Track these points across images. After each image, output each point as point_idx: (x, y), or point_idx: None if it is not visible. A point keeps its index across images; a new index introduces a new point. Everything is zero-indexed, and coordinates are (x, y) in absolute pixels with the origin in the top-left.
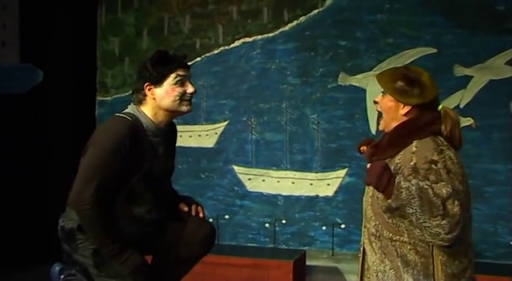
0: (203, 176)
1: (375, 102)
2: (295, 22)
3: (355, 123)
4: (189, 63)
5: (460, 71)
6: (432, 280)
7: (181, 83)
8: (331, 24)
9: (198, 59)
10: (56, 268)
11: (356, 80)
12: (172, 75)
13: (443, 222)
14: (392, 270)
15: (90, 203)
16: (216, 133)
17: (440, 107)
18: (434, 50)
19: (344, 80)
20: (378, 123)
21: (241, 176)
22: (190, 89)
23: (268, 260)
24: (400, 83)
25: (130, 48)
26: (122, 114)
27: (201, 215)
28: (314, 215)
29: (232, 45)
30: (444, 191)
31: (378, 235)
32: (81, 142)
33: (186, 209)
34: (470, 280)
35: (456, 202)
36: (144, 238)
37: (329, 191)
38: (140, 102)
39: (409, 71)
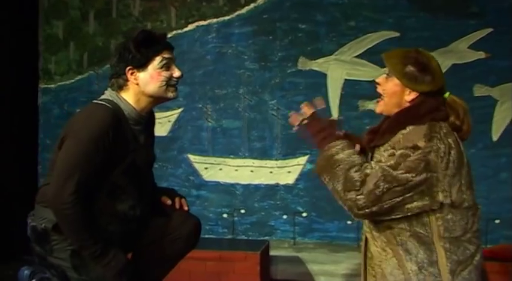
0: (156, 166)
1: (377, 83)
2: (252, 5)
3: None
4: None
5: None
6: (437, 267)
7: (167, 66)
8: (290, 7)
9: None
10: (25, 271)
11: (316, 65)
12: (158, 58)
13: (358, 197)
14: (394, 258)
15: (71, 202)
16: (169, 121)
17: (447, 94)
18: (397, 34)
19: (304, 64)
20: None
21: (197, 165)
22: (176, 72)
23: (234, 252)
24: (411, 68)
25: (75, 33)
26: (100, 101)
27: (185, 208)
28: (274, 204)
29: (185, 29)
30: (373, 171)
31: (378, 222)
32: (23, 131)
33: (169, 202)
34: (478, 267)
35: (381, 185)
36: (126, 236)
37: (290, 179)
38: (121, 87)
39: (420, 55)
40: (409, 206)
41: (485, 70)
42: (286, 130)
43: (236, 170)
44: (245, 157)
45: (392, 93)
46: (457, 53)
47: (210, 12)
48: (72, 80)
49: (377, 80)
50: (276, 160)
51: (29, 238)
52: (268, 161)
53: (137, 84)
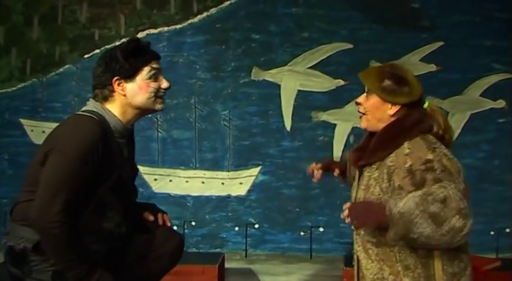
0: None
1: (358, 104)
2: (205, 14)
3: (269, 119)
4: (86, 56)
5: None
6: None
7: (155, 77)
8: (244, 16)
9: (97, 51)
10: None
11: (270, 75)
12: (146, 69)
13: (454, 223)
14: (391, 275)
15: (59, 221)
16: None
17: (426, 104)
18: (351, 46)
19: (257, 75)
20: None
21: (146, 177)
22: (164, 83)
23: (191, 265)
24: (388, 82)
25: (18, 38)
26: (85, 113)
27: (168, 224)
28: (226, 215)
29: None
30: (440, 192)
31: (374, 241)
32: None
33: (151, 218)
34: (470, 278)
35: (457, 197)
36: (110, 254)
37: (242, 191)
38: (106, 99)
39: (395, 69)
40: None
41: (437, 83)
42: (238, 141)
43: (187, 181)
44: (196, 168)
45: (375, 109)
46: (409, 66)
47: (161, 21)
48: (14, 88)
49: (358, 101)
50: (228, 171)
51: (5, 259)
52: (219, 173)
53: (124, 95)
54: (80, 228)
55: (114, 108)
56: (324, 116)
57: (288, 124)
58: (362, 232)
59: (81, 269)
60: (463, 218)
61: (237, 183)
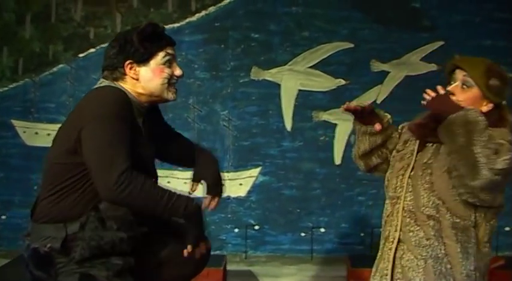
0: None
1: (451, 93)
2: (203, 12)
3: (269, 119)
4: (80, 55)
5: (376, 66)
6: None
7: (169, 63)
8: (243, 15)
9: (92, 50)
10: None
11: (270, 75)
12: (161, 54)
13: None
14: (448, 256)
15: (128, 184)
16: None
17: (503, 103)
18: (351, 45)
19: (257, 74)
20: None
21: None
22: (178, 71)
23: None
24: (495, 82)
25: (9, 37)
26: (103, 85)
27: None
28: (225, 217)
29: None
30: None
31: (437, 216)
32: None
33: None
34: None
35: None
36: (137, 246)
37: (241, 192)
38: (116, 80)
39: (500, 68)
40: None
41: (437, 82)
42: (238, 141)
43: (185, 183)
44: None
45: (471, 103)
46: (410, 65)
47: (158, 19)
48: (6, 88)
49: (451, 90)
50: (227, 172)
51: (28, 262)
52: None
53: (137, 79)
54: (101, 214)
55: (133, 91)
56: (325, 116)
57: (288, 124)
58: (422, 208)
59: (182, 200)
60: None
61: (237, 184)
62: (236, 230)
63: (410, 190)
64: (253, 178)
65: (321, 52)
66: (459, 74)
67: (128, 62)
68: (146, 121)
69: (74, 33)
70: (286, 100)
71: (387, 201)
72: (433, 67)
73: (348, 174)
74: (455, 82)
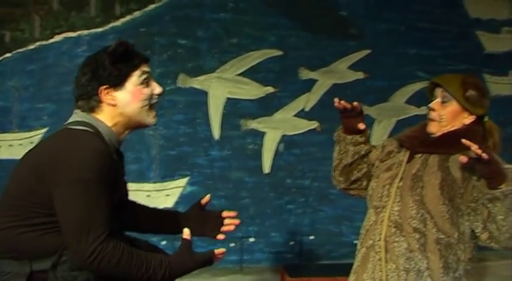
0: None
1: (431, 109)
2: (128, 17)
3: (197, 128)
4: None
5: (305, 74)
6: None
7: (147, 82)
8: (169, 21)
9: (8, 55)
10: None
11: (197, 82)
12: (137, 73)
13: None
14: (429, 270)
15: (107, 252)
16: (31, 142)
17: (486, 119)
18: (280, 52)
19: (184, 82)
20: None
21: None
22: (157, 89)
23: None
24: (472, 92)
25: None
26: (79, 127)
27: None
28: None
29: (51, 40)
30: None
31: (423, 230)
32: None
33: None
34: None
35: None
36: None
37: (169, 203)
38: (92, 110)
39: (477, 80)
40: None
41: (364, 90)
42: (165, 151)
43: (148, 195)
44: None
45: (452, 117)
46: (337, 73)
47: (80, 23)
48: None
49: (432, 106)
50: (154, 182)
51: None
52: (145, 184)
53: (114, 105)
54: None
55: (104, 120)
56: (253, 124)
57: (216, 133)
58: (410, 220)
59: (162, 267)
60: None
61: (164, 195)
62: (164, 242)
63: (398, 200)
64: (181, 189)
65: (249, 59)
66: (438, 91)
67: (102, 87)
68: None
69: None
70: (214, 108)
71: (370, 210)
72: (360, 75)
73: (277, 182)
74: (435, 99)
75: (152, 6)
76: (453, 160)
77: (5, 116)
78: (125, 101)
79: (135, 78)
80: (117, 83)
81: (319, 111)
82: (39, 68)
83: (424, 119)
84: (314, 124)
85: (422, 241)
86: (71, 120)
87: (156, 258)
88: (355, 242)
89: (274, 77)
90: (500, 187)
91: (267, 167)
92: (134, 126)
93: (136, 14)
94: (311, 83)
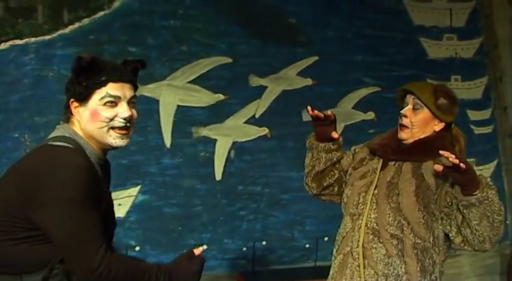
0: None
1: (403, 116)
2: (77, 24)
3: (148, 136)
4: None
5: (255, 81)
6: None
7: (111, 103)
8: (119, 28)
9: None
10: None
11: (148, 90)
12: (99, 93)
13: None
14: (407, 274)
15: (110, 263)
16: None
17: (453, 125)
18: (230, 60)
19: None
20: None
21: None
22: (123, 113)
23: None
24: (443, 101)
25: None
26: (60, 143)
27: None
28: None
29: None
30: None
31: (401, 236)
32: None
33: None
34: None
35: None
36: None
37: (120, 212)
38: (67, 121)
39: (447, 89)
40: None
41: (313, 96)
42: (116, 160)
43: (119, 204)
44: None
45: (423, 124)
46: (286, 80)
47: (28, 30)
48: None
49: (404, 113)
50: None
51: None
52: None
53: (79, 120)
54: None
55: (83, 135)
56: (205, 132)
57: (167, 141)
58: (387, 226)
59: (162, 272)
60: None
61: (116, 205)
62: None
63: (374, 207)
64: (133, 197)
65: (199, 67)
66: (409, 98)
67: (71, 100)
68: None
69: None
70: (165, 116)
71: (346, 217)
72: (308, 81)
73: (229, 189)
74: (406, 106)
75: (101, 14)
76: (426, 166)
77: None
78: (85, 119)
79: (96, 97)
80: (81, 98)
81: (269, 117)
82: None
83: (370, 123)
84: (264, 130)
85: (400, 246)
86: (52, 134)
87: (154, 265)
88: (307, 246)
89: (225, 84)
90: (475, 194)
91: (218, 174)
92: (101, 146)
93: (85, 21)
94: (261, 89)
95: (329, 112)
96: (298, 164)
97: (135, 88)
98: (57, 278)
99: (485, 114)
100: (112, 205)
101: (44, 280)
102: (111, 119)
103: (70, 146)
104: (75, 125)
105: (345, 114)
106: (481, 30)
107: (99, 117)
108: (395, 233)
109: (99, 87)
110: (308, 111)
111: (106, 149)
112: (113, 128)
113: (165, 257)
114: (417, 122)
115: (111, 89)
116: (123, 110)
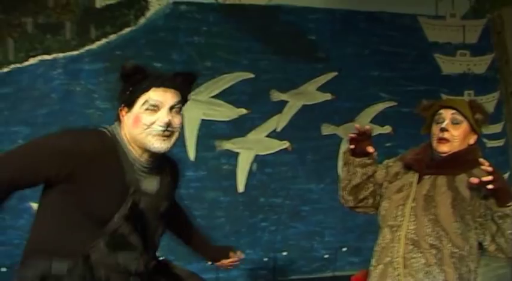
0: None
1: (444, 130)
2: (104, 40)
3: (172, 150)
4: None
5: (276, 96)
6: None
7: (153, 109)
8: (145, 44)
9: None
10: None
11: None
12: (142, 99)
13: None
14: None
15: None
16: None
17: None
18: (252, 75)
19: None
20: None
21: None
22: (162, 119)
23: None
24: (479, 115)
25: None
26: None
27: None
28: None
29: (26, 63)
30: None
31: (439, 246)
32: None
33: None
34: None
35: None
36: None
37: None
38: (119, 124)
39: (481, 105)
40: None
41: (332, 110)
42: None
43: None
44: None
45: (463, 137)
46: (306, 95)
47: (56, 46)
48: None
49: (445, 127)
50: None
51: None
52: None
53: (126, 126)
54: (93, 262)
55: (126, 138)
56: (228, 145)
57: (191, 154)
58: (427, 237)
59: None
60: None
61: None
62: None
63: (413, 219)
64: None
65: (222, 82)
66: (447, 113)
67: (120, 107)
68: (157, 174)
69: None
70: (189, 130)
71: (385, 229)
72: (327, 96)
73: (251, 201)
74: (444, 120)
75: (127, 30)
76: (460, 179)
77: None
78: (129, 124)
79: (139, 103)
80: (127, 104)
81: (290, 131)
82: (13, 91)
83: (387, 137)
84: (285, 144)
85: (439, 255)
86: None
87: None
88: (326, 256)
89: (247, 99)
90: (509, 205)
91: (241, 187)
92: (146, 150)
93: (112, 37)
94: (282, 104)
95: (367, 127)
96: (318, 176)
97: (183, 96)
98: (81, 271)
99: (497, 128)
100: (156, 210)
101: (69, 271)
102: (150, 125)
103: (106, 131)
104: (123, 129)
105: None
106: (493, 47)
107: (139, 123)
108: (434, 243)
109: (142, 93)
110: (356, 130)
111: (151, 153)
112: (151, 134)
113: (189, 267)
114: (458, 136)
115: (153, 95)
116: (162, 116)
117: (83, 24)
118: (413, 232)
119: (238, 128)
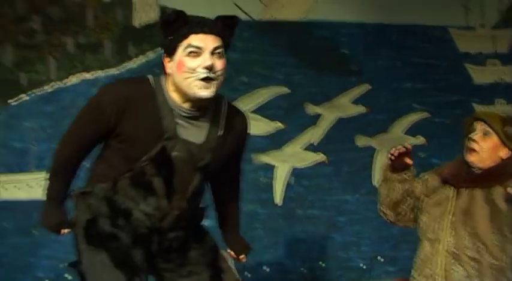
0: (36, 232)
1: (473, 140)
2: (142, 58)
3: None
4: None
5: (311, 109)
6: None
7: (195, 54)
8: None
9: (24, 96)
10: None
11: None
12: (183, 44)
13: None
14: None
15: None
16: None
17: None
18: (287, 90)
19: None
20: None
21: None
22: (205, 62)
23: None
24: (509, 129)
25: None
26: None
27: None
28: None
29: (67, 82)
30: None
31: (479, 258)
32: None
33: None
34: None
35: None
36: (146, 252)
37: None
38: (164, 73)
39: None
40: None
41: (366, 123)
42: None
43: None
44: None
45: (491, 149)
46: (340, 107)
47: (95, 64)
48: None
49: (474, 138)
50: None
51: None
52: None
53: (170, 73)
54: (118, 188)
55: (169, 86)
56: (265, 158)
57: None
58: (466, 251)
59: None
60: None
61: None
62: None
63: (452, 233)
64: None
65: (258, 96)
66: (478, 125)
67: (163, 56)
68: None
69: (3, 78)
70: None
71: (425, 242)
72: (361, 109)
73: (288, 213)
74: (474, 132)
75: None
76: (496, 192)
77: (23, 157)
78: (173, 71)
79: (181, 49)
80: (169, 52)
81: (325, 144)
82: (55, 109)
83: (421, 148)
84: (322, 157)
85: (478, 267)
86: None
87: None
88: (362, 266)
89: (283, 113)
90: None
91: (278, 199)
92: (191, 99)
93: (151, 55)
94: (317, 117)
95: (408, 146)
96: (353, 187)
97: (224, 40)
98: (104, 190)
99: None
100: (190, 161)
101: (98, 188)
102: (195, 69)
103: (149, 78)
104: (167, 79)
105: (396, 139)
106: None
107: (183, 68)
108: (474, 256)
109: (183, 40)
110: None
111: (196, 101)
112: (197, 79)
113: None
114: (487, 148)
115: (194, 40)
116: (205, 60)
117: (121, 42)
118: (452, 245)
119: (275, 141)
